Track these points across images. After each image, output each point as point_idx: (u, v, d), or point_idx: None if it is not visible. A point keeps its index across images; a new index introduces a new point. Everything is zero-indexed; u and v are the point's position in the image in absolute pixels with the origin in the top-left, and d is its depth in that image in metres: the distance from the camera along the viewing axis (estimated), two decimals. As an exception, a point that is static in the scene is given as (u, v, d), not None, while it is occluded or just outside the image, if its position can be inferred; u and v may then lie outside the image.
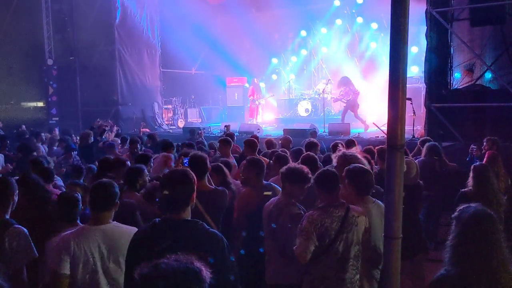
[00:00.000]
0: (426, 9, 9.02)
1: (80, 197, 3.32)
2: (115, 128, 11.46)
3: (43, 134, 10.38)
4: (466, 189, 4.46)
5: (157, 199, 3.66)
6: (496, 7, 8.60)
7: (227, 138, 6.44)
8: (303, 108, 15.35)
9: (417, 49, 13.50)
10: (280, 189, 3.77)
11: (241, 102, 16.99)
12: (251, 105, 15.57)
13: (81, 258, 2.70)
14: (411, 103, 8.88)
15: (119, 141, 9.34)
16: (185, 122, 16.26)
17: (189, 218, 2.41)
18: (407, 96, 2.56)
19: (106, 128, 9.71)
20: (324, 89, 13.81)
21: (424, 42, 9.41)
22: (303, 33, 17.77)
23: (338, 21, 16.69)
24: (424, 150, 6.14)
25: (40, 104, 16.92)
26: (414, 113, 9.33)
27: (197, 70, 18.93)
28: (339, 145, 5.88)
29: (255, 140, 6.31)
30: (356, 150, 4.97)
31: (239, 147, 7.60)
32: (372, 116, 11.82)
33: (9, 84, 15.10)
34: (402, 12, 2.21)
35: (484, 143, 6.33)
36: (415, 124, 9.56)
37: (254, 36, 16.95)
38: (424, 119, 9.42)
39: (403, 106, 2.27)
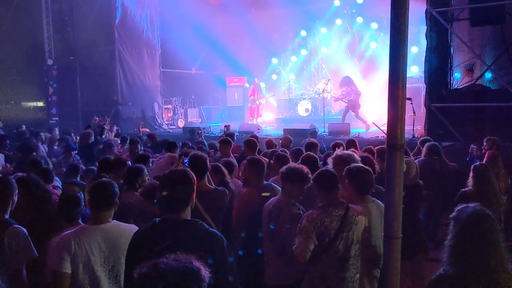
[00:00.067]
0: (426, 9, 9.02)
1: (82, 196, 3.32)
2: (115, 128, 11.46)
3: (42, 133, 10.39)
4: (466, 189, 4.46)
5: (155, 200, 3.65)
6: (496, 7, 8.61)
7: (227, 138, 6.43)
8: (303, 108, 15.35)
9: (417, 49, 13.50)
10: (280, 189, 3.77)
11: (241, 102, 16.98)
12: (252, 105, 15.57)
13: (81, 257, 2.70)
14: (411, 103, 8.88)
15: (119, 141, 9.35)
16: (185, 122, 16.26)
17: (189, 218, 2.41)
18: (407, 96, 2.57)
19: (106, 127, 9.70)
20: (324, 89, 13.81)
21: (424, 42, 9.41)
22: (303, 33, 17.77)
23: (338, 21, 16.69)
24: (424, 150, 6.14)
25: (40, 104, 16.92)
26: (414, 113, 9.33)
27: (197, 70, 18.93)
28: (340, 145, 5.90)
29: (255, 140, 6.31)
30: (350, 150, 4.99)
31: (240, 146, 7.60)
32: (372, 116, 11.82)
33: (9, 84, 15.09)
34: (402, 12, 2.21)
35: (484, 143, 6.33)
36: (415, 124, 9.55)
37: (254, 36, 16.95)
38: (424, 119, 9.43)
39: (403, 105, 2.27)
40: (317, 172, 3.41)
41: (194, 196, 2.45)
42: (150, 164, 5.34)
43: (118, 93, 15.28)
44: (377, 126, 8.49)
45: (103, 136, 9.22)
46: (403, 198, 2.30)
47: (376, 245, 3.34)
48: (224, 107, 18.36)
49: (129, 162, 5.00)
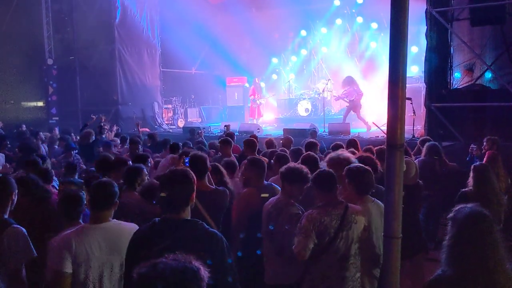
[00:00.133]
0: (426, 8, 9.02)
1: (84, 195, 3.32)
2: (115, 128, 11.47)
3: (42, 133, 10.39)
4: (466, 189, 4.45)
5: (154, 201, 3.64)
6: (496, 7, 8.60)
7: (227, 138, 6.43)
8: (303, 108, 15.35)
9: (417, 49, 13.50)
10: (280, 189, 3.77)
11: (241, 101, 16.99)
12: (252, 105, 15.57)
13: (82, 257, 2.70)
14: (411, 103, 8.88)
15: (119, 141, 9.34)
16: (185, 122, 16.27)
17: (189, 218, 2.41)
18: (407, 96, 2.56)
19: (106, 127, 9.71)
20: (324, 89, 13.81)
21: (424, 42, 9.41)
22: (303, 32, 17.77)
23: (338, 21, 16.69)
24: (424, 149, 6.14)
25: (40, 103, 16.92)
26: (414, 112, 9.33)
27: (197, 69, 18.94)
28: (340, 146, 5.90)
29: (254, 140, 6.31)
30: (350, 151, 4.99)
31: (239, 146, 7.60)
32: (372, 115, 11.82)
33: (9, 83, 15.10)
34: (402, 11, 2.21)
35: (484, 143, 6.33)
36: (415, 123, 9.55)
37: (254, 35, 16.95)
38: (424, 119, 9.43)
39: (403, 105, 2.27)
40: (316, 172, 3.43)
41: (194, 196, 2.45)
42: (149, 164, 5.33)
43: (118, 93, 15.28)
44: (377, 126, 8.49)
45: (103, 136, 9.23)
46: (403, 198, 2.30)
47: (376, 245, 3.35)
48: (224, 107, 18.37)
49: (130, 162, 5.00)
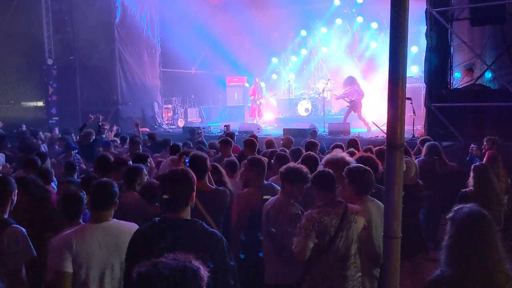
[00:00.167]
0: (426, 8, 9.02)
1: (84, 195, 3.32)
2: (115, 128, 11.46)
3: (41, 133, 10.39)
4: (466, 190, 4.45)
5: (154, 199, 3.64)
6: (496, 7, 8.60)
7: (227, 139, 6.43)
8: (303, 108, 15.35)
9: (417, 49, 13.50)
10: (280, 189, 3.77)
11: (241, 101, 17.00)
12: (252, 105, 15.57)
13: (83, 256, 2.70)
14: (411, 103, 8.88)
15: (119, 141, 9.34)
16: (185, 122, 16.27)
17: (189, 218, 2.41)
18: (407, 96, 2.56)
19: (105, 127, 9.71)
20: (324, 89, 13.81)
21: (424, 42, 9.41)
22: (303, 32, 17.78)
23: (338, 21, 16.70)
24: (424, 149, 6.14)
25: (40, 103, 16.92)
26: (414, 112, 9.33)
27: (197, 69, 18.95)
28: (339, 147, 5.91)
29: (254, 140, 6.31)
30: (350, 151, 4.99)
31: (238, 146, 7.60)
32: (372, 115, 11.82)
33: (9, 83, 15.10)
34: (402, 11, 2.21)
35: (484, 143, 6.33)
36: (415, 123, 9.55)
37: (254, 35, 16.95)
38: (424, 119, 9.42)
39: (403, 105, 2.26)
40: (315, 173, 3.44)
41: (194, 196, 2.45)
42: (149, 164, 5.34)
43: (118, 92, 15.28)
44: (377, 126, 8.49)
45: (103, 136, 9.23)
46: (402, 198, 2.30)
47: (376, 245, 3.35)
48: (224, 107, 18.37)
49: (131, 161, 5.00)
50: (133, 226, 2.81)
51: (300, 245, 3.12)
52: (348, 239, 3.15)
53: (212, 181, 3.92)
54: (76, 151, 8.23)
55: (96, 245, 2.73)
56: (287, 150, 5.86)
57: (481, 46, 9.46)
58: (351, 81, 12.54)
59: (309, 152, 5.04)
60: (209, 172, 3.91)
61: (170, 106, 17.10)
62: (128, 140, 8.58)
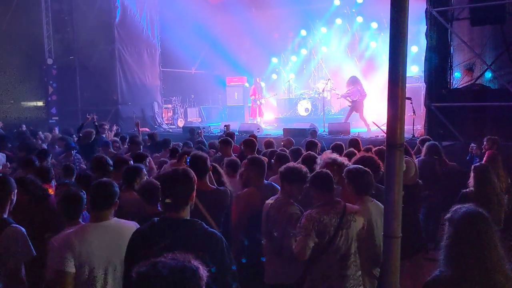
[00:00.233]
0: (426, 8, 9.02)
1: (85, 195, 3.32)
2: (114, 128, 11.47)
3: (41, 133, 10.39)
4: (467, 190, 4.45)
5: (153, 199, 3.63)
6: (496, 7, 8.60)
7: (227, 139, 6.42)
8: (303, 108, 15.35)
9: (417, 49, 13.51)
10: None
11: (241, 101, 17.00)
12: (253, 105, 15.56)
13: (84, 256, 2.70)
14: (411, 103, 8.88)
15: (120, 141, 9.33)
16: (185, 122, 16.27)
17: (188, 218, 2.41)
18: (407, 96, 2.56)
19: (105, 126, 9.71)
20: (324, 89, 13.80)
21: (424, 42, 9.41)
22: (303, 32, 17.78)
23: (338, 21, 16.70)
24: (424, 149, 6.13)
25: (40, 103, 16.92)
26: (414, 112, 9.33)
27: (197, 69, 18.94)
28: (339, 146, 5.91)
29: (254, 139, 6.30)
30: (350, 150, 4.99)
31: (238, 146, 7.59)
32: (372, 115, 11.82)
33: (9, 83, 15.09)
34: (402, 11, 2.21)
35: (485, 143, 6.33)
36: (415, 123, 9.56)
37: (254, 35, 16.95)
38: (424, 119, 9.42)
39: (403, 105, 2.27)
40: (313, 173, 3.46)
41: (194, 196, 2.45)
42: (148, 164, 5.35)
43: (118, 92, 15.28)
44: (377, 125, 8.48)
45: (103, 136, 9.23)
46: (402, 198, 2.30)
47: (376, 245, 3.35)
48: (224, 107, 18.38)
49: (131, 161, 5.00)
50: (133, 225, 2.82)
51: (300, 244, 3.12)
52: (348, 237, 3.17)
53: (214, 181, 3.92)
54: (76, 151, 8.22)
55: (97, 244, 2.73)
56: (287, 150, 5.86)
57: (481, 46, 9.46)
58: (354, 81, 12.51)
59: (309, 152, 5.05)
60: (210, 172, 3.92)
61: (170, 106, 17.10)
62: (127, 140, 8.57)
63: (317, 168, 3.93)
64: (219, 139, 7.00)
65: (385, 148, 2.32)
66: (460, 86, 9.71)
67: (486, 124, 8.54)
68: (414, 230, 4.21)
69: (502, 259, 2.09)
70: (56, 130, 12.20)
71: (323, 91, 13.85)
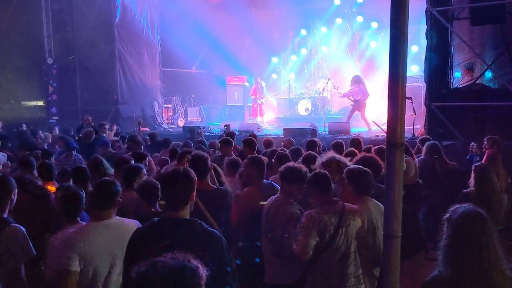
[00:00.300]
0: (426, 8, 9.01)
1: (84, 194, 3.32)
2: (115, 127, 11.47)
3: (40, 132, 10.39)
4: (468, 190, 4.45)
5: (152, 198, 3.63)
6: (496, 6, 8.60)
7: (227, 138, 6.42)
8: (303, 107, 15.34)
9: (417, 48, 13.50)
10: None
11: (241, 101, 17.00)
12: (253, 104, 15.55)
13: (88, 254, 2.71)
14: (411, 102, 8.88)
15: (120, 141, 9.33)
16: (185, 121, 16.27)
17: (188, 217, 2.41)
18: (407, 95, 2.56)
19: (106, 126, 9.71)
20: (324, 88, 13.79)
21: (424, 41, 9.41)
22: (303, 32, 17.77)
23: (338, 20, 16.69)
24: (424, 149, 6.13)
25: (40, 103, 16.91)
26: (414, 112, 9.33)
27: (197, 69, 18.94)
28: (340, 145, 5.91)
29: (254, 139, 6.30)
30: (350, 150, 4.98)
31: (238, 146, 7.59)
32: (372, 115, 11.82)
33: (9, 83, 15.10)
34: (402, 11, 2.21)
35: (485, 142, 6.34)
36: (415, 123, 9.55)
37: (254, 35, 16.95)
38: (424, 118, 9.42)
39: (403, 104, 2.27)
40: (312, 174, 3.46)
41: (194, 195, 2.45)
42: (147, 163, 5.35)
43: (118, 92, 15.28)
44: (377, 125, 8.49)
45: (104, 135, 9.23)
46: (402, 198, 2.30)
47: (377, 245, 3.35)
48: (224, 106, 18.37)
49: (132, 161, 5.00)
50: (135, 224, 2.83)
51: (302, 244, 3.13)
52: (347, 236, 3.18)
53: (216, 180, 3.92)
54: (76, 150, 8.22)
55: (100, 243, 2.75)
56: (287, 150, 5.86)
57: (481, 46, 9.46)
58: (357, 81, 12.47)
59: (309, 151, 5.05)
60: (212, 172, 3.92)
61: (170, 105, 17.09)
62: (127, 139, 8.57)
63: (317, 165, 3.94)
64: (220, 139, 7.00)
65: (385, 147, 2.32)
66: (460, 86, 9.71)
67: (486, 123, 8.54)
68: (414, 230, 4.21)
69: (500, 259, 2.08)
70: (56, 130, 12.20)
71: (323, 90, 13.84)
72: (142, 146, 7.37)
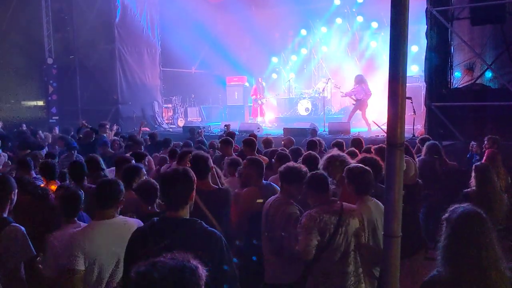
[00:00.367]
0: (426, 8, 9.01)
1: (82, 194, 3.33)
2: (115, 127, 11.46)
3: (40, 132, 10.38)
4: (468, 190, 4.46)
5: (150, 198, 3.63)
6: (496, 6, 8.60)
7: (227, 138, 6.41)
8: (303, 107, 15.35)
9: (417, 48, 13.50)
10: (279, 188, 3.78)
11: (241, 101, 17.00)
12: (254, 104, 15.55)
13: (93, 253, 2.73)
14: (411, 102, 8.88)
15: (120, 140, 9.33)
16: (185, 121, 16.27)
17: (188, 217, 2.41)
18: (407, 95, 2.56)
19: (107, 127, 9.71)
20: (324, 88, 13.79)
21: (424, 41, 9.40)
22: (303, 32, 17.77)
23: (338, 20, 16.70)
24: (424, 149, 6.14)
25: (40, 103, 16.91)
26: (414, 112, 9.32)
27: (197, 69, 18.94)
28: (340, 144, 5.92)
29: (254, 139, 6.30)
30: (351, 150, 4.99)
31: (238, 146, 7.59)
32: (372, 114, 11.83)
33: (9, 83, 15.08)
34: (402, 11, 2.21)
35: (485, 142, 6.34)
36: (415, 123, 9.55)
37: (254, 34, 16.96)
38: (424, 118, 9.42)
39: (403, 104, 2.27)
40: (309, 175, 3.46)
41: (194, 195, 2.45)
42: (146, 163, 5.35)
43: (118, 92, 15.28)
44: (377, 125, 8.49)
45: (104, 135, 9.23)
46: (402, 197, 2.30)
47: (377, 244, 3.35)
48: (224, 106, 18.37)
49: (133, 160, 5.00)
50: (138, 223, 2.86)
51: (303, 243, 3.13)
52: (347, 235, 3.18)
53: (217, 180, 3.92)
54: (77, 150, 8.22)
55: (105, 242, 2.77)
56: (287, 150, 5.86)
57: (481, 46, 9.46)
58: (359, 80, 12.45)
59: (309, 151, 5.04)
60: (214, 171, 3.92)
61: (170, 105, 17.10)
62: (127, 139, 8.58)
63: (321, 163, 3.95)
64: (220, 139, 6.99)
65: (385, 146, 2.32)
66: (460, 86, 9.71)
67: (486, 123, 8.55)
68: (414, 230, 4.22)
69: (499, 259, 2.08)
70: (56, 130, 12.20)
71: (323, 90, 13.84)
72: (142, 146, 7.37)
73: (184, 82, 18.43)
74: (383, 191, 3.56)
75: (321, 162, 4.03)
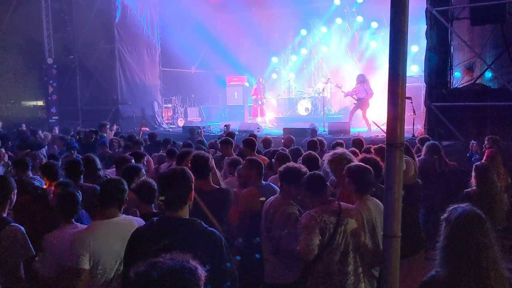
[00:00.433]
0: (426, 8, 9.01)
1: (80, 195, 3.33)
2: (114, 127, 11.48)
3: (40, 131, 10.38)
4: (469, 189, 4.46)
5: (149, 198, 3.63)
6: (496, 6, 8.60)
7: (227, 138, 6.40)
8: (303, 107, 15.34)
9: (417, 48, 13.50)
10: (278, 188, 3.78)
11: (241, 101, 17.00)
12: (254, 104, 15.54)
13: (97, 252, 2.75)
14: (411, 102, 8.87)
15: (120, 140, 9.33)
16: (185, 121, 16.25)
17: (187, 217, 2.41)
18: (407, 95, 2.56)
19: (108, 128, 9.73)
20: (324, 88, 13.79)
21: (424, 41, 9.41)
22: (303, 32, 17.76)
23: (338, 20, 16.69)
24: (424, 149, 6.14)
25: (40, 103, 16.92)
26: (414, 112, 9.31)
27: (197, 69, 18.93)
28: (340, 145, 5.92)
29: (254, 139, 6.30)
30: (351, 150, 4.99)
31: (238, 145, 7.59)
32: (372, 114, 11.82)
33: (9, 83, 15.09)
34: (402, 11, 2.21)
35: (485, 142, 6.34)
36: (415, 123, 9.55)
37: (254, 34, 16.95)
38: (424, 118, 9.42)
39: (403, 104, 2.27)
40: (306, 176, 3.46)
41: (192, 195, 2.45)
42: (145, 163, 5.35)
43: (118, 92, 15.27)
44: (377, 125, 8.49)
45: (104, 135, 9.23)
46: (402, 197, 2.30)
47: (376, 244, 3.35)
48: (224, 106, 18.37)
49: (133, 160, 5.00)
50: (141, 221, 2.87)
51: (304, 243, 3.12)
52: (346, 234, 3.18)
53: (219, 180, 3.92)
54: (76, 150, 8.22)
55: (108, 241, 2.78)
56: (286, 149, 5.86)
57: (481, 46, 9.46)
58: (361, 79, 12.43)
59: (309, 151, 5.04)
60: (216, 171, 3.92)
61: (170, 105, 17.09)
62: (126, 139, 8.58)
63: (325, 162, 3.96)
64: (220, 139, 6.99)
65: (384, 146, 2.32)
66: (460, 86, 9.71)
67: (486, 123, 8.55)
68: (414, 230, 4.21)
69: (498, 259, 2.08)
70: (56, 130, 12.21)
71: (323, 90, 13.83)
72: (142, 146, 7.36)
73: (184, 82, 18.43)
74: (383, 191, 3.57)
75: (326, 157, 4.02)
